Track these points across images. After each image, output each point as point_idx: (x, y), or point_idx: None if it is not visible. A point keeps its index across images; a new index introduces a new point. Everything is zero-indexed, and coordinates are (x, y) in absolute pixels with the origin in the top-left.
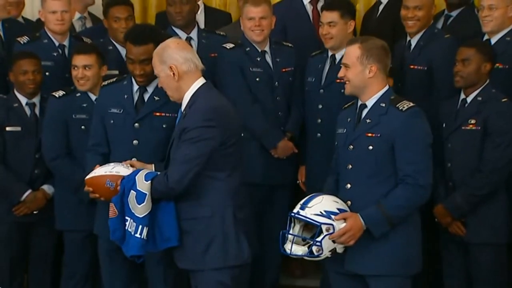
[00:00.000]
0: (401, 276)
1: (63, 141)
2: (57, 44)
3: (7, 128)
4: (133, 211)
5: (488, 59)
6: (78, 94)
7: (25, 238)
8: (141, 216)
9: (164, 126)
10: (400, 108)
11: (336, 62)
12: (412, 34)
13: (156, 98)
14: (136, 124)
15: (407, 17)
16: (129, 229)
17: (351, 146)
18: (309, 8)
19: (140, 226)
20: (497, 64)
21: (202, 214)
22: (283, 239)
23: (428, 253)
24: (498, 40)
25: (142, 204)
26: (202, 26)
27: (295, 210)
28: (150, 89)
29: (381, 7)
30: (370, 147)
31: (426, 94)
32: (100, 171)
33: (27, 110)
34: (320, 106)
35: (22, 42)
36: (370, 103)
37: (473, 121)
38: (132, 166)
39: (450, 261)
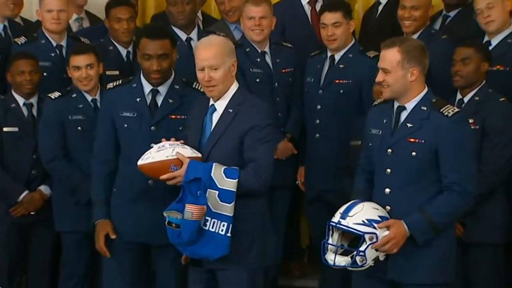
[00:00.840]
0: (442, 285)
1: (60, 142)
2: (54, 44)
3: (4, 129)
4: (216, 211)
5: (486, 58)
6: (74, 95)
7: (24, 239)
8: (231, 214)
9: (180, 128)
10: (445, 114)
11: (336, 63)
12: (409, 34)
13: (171, 100)
14: (153, 128)
15: (404, 17)
16: (211, 229)
17: (390, 150)
18: (307, 8)
19: (231, 225)
20: (498, 66)
21: (249, 213)
22: (323, 249)
23: None
24: (499, 42)
25: (232, 203)
26: None
27: (335, 220)
28: (162, 91)
29: (380, 8)
30: (414, 153)
31: None
32: (159, 155)
33: (25, 110)
34: (319, 107)
35: (19, 43)
36: (409, 106)
37: (471, 121)
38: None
39: None
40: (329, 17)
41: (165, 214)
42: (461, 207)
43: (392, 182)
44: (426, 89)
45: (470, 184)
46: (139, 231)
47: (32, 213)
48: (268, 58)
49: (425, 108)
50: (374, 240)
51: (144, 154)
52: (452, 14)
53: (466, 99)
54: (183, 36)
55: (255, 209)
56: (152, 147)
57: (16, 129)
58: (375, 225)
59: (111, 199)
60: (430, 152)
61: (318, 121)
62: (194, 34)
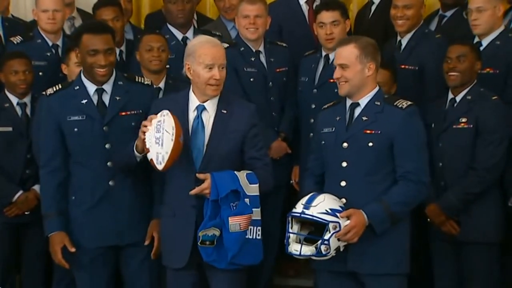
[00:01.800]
0: (401, 275)
1: None
2: (50, 44)
3: None
4: (252, 217)
5: (479, 58)
6: None
7: (17, 239)
8: (260, 218)
9: (133, 124)
10: (400, 106)
11: (330, 62)
12: (402, 33)
13: (118, 98)
14: (105, 128)
15: (397, 16)
16: (249, 236)
17: (346, 144)
18: (305, 8)
19: (260, 228)
20: (488, 69)
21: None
22: (287, 241)
23: (417, 255)
24: (489, 44)
25: (259, 207)
26: None
27: (298, 210)
28: (108, 89)
29: (373, 8)
30: (370, 144)
31: (417, 94)
32: (166, 145)
33: (18, 110)
34: (313, 106)
35: (15, 42)
36: (363, 101)
37: (464, 120)
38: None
39: (442, 262)
40: (327, 16)
41: (200, 234)
42: (417, 197)
43: (348, 175)
44: (378, 87)
45: (424, 174)
46: (106, 235)
47: (26, 213)
48: (262, 58)
49: (378, 103)
50: (338, 229)
51: (152, 157)
52: (448, 14)
53: (458, 99)
54: (179, 35)
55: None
56: (148, 147)
57: (9, 129)
58: (338, 214)
59: (70, 208)
60: (386, 143)
61: (312, 120)
62: (190, 34)
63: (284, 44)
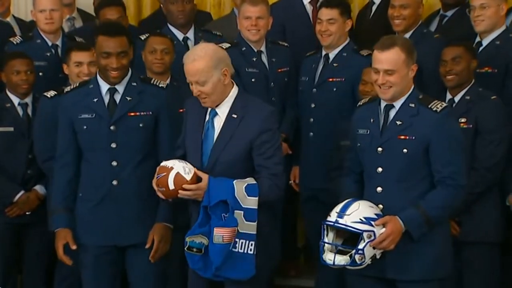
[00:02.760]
0: (439, 280)
1: (55, 141)
2: (50, 44)
3: None
4: (243, 231)
5: (474, 57)
6: None
7: (18, 239)
8: (255, 232)
9: (141, 125)
10: (434, 109)
11: (330, 62)
12: (399, 33)
13: (128, 98)
14: (112, 127)
15: (394, 16)
16: (241, 250)
17: (380, 149)
18: (309, 8)
19: (254, 243)
20: (486, 68)
21: (262, 219)
22: (321, 249)
23: None
24: (489, 43)
25: (256, 221)
26: None
27: (332, 219)
28: (120, 89)
29: (374, 7)
30: (405, 150)
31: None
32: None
33: (20, 110)
34: (313, 105)
35: (15, 42)
36: (398, 103)
37: (463, 120)
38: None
39: None
40: (325, 13)
41: (187, 240)
42: (455, 201)
43: (383, 181)
44: (413, 86)
45: (462, 177)
46: (109, 234)
47: (27, 213)
48: (264, 58)
49: (413, 105)
50: (372, 238)
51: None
52: (449, 13)
53: (456, 99)
54: (180, 35)
55: (263, 216)
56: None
57: (11, 129)
58: (372, 222)
59: (77, 204)
60: (421, 148)
61: (312, 119)
62: (190, 34)
63: (286, 44)
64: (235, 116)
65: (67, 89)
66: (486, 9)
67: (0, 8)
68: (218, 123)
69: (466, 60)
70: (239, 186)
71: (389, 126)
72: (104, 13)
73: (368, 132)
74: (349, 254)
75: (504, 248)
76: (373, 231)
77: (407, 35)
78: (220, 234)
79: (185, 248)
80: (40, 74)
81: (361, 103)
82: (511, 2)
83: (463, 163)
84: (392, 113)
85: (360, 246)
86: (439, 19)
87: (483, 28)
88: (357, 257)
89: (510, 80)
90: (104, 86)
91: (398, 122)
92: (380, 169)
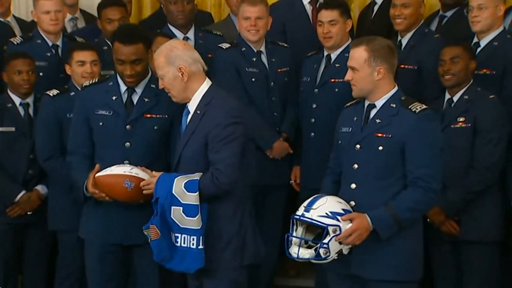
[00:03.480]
0: (407, 282)
1: (57, 140)
2: (50, 44)
3: (1, 129)
4: (185, 226)
5: (473, 57)
6: (73, 93)
7: (19, 239)
8: (199, 227)
9: (155, 127)
10: (413, 110)
11: (332, 62)
12: (401, 32)
13: (146, 99)
14: (128, 126)
15: (395, 15)
16: (184, 245)
17: (358, 146)
18: (308, 8)
19: (201, 237)
20: (484, 70)
21: (224, 213)
22: (287, 242)
23: None
24: (486, 44)
25: (197, 216)
26: None
27: (299, 213)
28: (138, 90)
29: (376, 8)
30: (380, 148)
31: (416, 94)
32: (118, 170)
33: (21, 110)
34: (315, 106)
35: (15, 43)
36: (379, 103)
37: (462, 119)
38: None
39: (441, 261)
40: (325, 15)
41: (145, 233)
42: (426, 203)
43: (358, 177)
44: (396, 88)
45: (436, 181)
46: (116, 232)
47: (28, 213)
48: (264, 58)
49: (394, 105)
50: (338, 232)
51: (103, 170)
52: (448, 14)
53: (455, 98)
54: (180, 35)
55: (230, 210)
56: None
57: (12, 129)
58: (339, 217)
59: (86, 200)
60: (397, 147)
61: (313, 120)
62: (191, 34)
63: (286, 45)
64: (198, 112)
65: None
66: (484, 9)
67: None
68: (187, 119)
69: (465, 60)
70: (179, 182)
71: (368, 124)
72: (106, 13)
73: (350, 130)
74: (314, 248)
75: (504, 247)
76: (338, 225)
77: (409, 35)
78: (149, 231)
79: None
80: (41, 74)
81: (349, 104)
82: (509, 2)
83: (438, 167)
84: (373, 112)
85: (325, 240)
86: (439, 20)
87: (480, 28)
88: (321, 251)
89: (508, 81)
90: (123, 86)
91: (378, 121)
92: (356, 166)
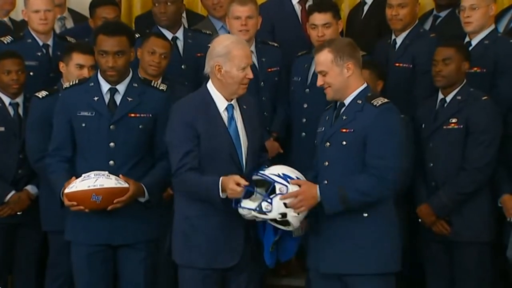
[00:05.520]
0: (387, 274)
1: (47, 142)
2: (41, 43)
3: None
4: None
5: (466, 58)
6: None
7: (10, 240)
8: None
9: (140, 127)
10: (374, 104)
11: None
12: (397, 32)
13: (129, 99)
14: (112, 126)
15: (392, 15)
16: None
17: (328, 143)
18: (297, 8)
19: None
20: (475, 68)
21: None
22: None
23: (409, 254)
24: (477, 43)
25: None
26: None
27: (255, 173)
28: (121, 90)
29: (366, 8)
30: (344, 143)
31: (411, 92)
32: (82, 185)
33: (11, 110)
34: (305, 106)
35: (5, 42)
36: (347, 100)
37: (454, 120)
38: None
39: (433, 261)
40: (319, 18)
41: (277, 239)
42: (377, 191)
43: (328, 174)
44: (365, 85)
45: (391, 172)
46: (99, 233)
47: (18, 213)
48: (254, 58)
49: (360, 102)
50: (284, 191)
51: (71, 183)
52: (442, 14)
53: (448, 99)
54: (168, 35)
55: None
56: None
57: (2, 128)
58: (289, 180)
59: None
60: (360, 141)
61: (304, 119)
62: (180, 34)
63: (276, 44)
64: (245, 107)
65: (66, 85)
66: (476, 10)
67: (9, 6)
68: (236, 116)
69: (456, 61)
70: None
71: (336, 122)
72: (100, 12)
73: (323, 129)
74: (258, 201)
75: (496, 248)
76: (286, 186)
77: (404, 34)
78: (299, 226)
79: (271, 250)
80: (31, 74)
81: (329, 107)
82: (505, 3)
83: (395, 158)
84: (342, 110)
85: (270, 196)
86: (433, 19)
87: (473, 28)
88: (264, 204)
89: (499, 80)
90: (105, 86)
91: (344, 117)
92: (326, 163)
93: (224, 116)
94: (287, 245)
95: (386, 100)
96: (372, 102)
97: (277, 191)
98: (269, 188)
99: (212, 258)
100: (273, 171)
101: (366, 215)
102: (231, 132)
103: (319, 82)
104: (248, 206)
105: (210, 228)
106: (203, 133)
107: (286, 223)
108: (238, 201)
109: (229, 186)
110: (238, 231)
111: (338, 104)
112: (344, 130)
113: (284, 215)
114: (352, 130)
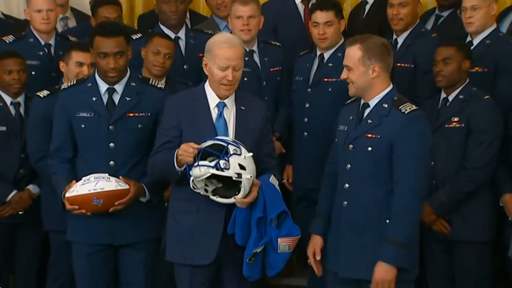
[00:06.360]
0: (402, 282)
1: (48, 141)
2: (43, 43)
3: None
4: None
5: (467, 56)
6: None
7: (11, 239)
8: None
9: (139, 126)
10: (403, 111)
11: (325, 62)
12: (398, 32)
13: (128, 98)
14: (111, 127)
15: (393, 15)
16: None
17: (351, 146)
18: (300, 7)
19: None
20: (476, 68)
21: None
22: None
23: None
24: (479, 43)
25: None
26: None
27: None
28: (119, 90)
29: (367, 7)
30: (369, 148)
31: (413, 92)
32: (82, 189)
33: (12, 109)
34: (308, 105)
35: (7, 41)
36: (372, 103)
37: (456, 119)
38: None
39: (434, 260)
40: (321, 16)
41: (253, 251)
42: (413, 207)
43: (350, 177)
44: (390, 87)
45: (414, 181)
46: (99, 233)
47: (20, 213)
48: (256, 57)
49: (386, 106)
50: (238, 152)
51: (72, 187)
52: (445, 14)
53: (450, 98)
54: (171, 35)
55: None
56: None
57: (3, 128)
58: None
59: None
60: (386, 148)
61: (306, 119)
62: (182, 33)
63: (278, 44)
64: (243, 108)
65: (64, 85)
66: (477, 10)
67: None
68: (228, 115)
69: (457, 61)
70: (277, 187)
71: (361, 125)
72: (102, 12)
73: (346, 129)
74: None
75: (496, 247)
76: (239, 147)
77: (405, 34)
78: (286, 243)
79: (248, 260)
80: (33, 73)
81: (349, 102)
82: (507, 3)
83: (421, 169)
84: (366, 112)
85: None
86: (435, 19)
87: (474, 29)
88: (222, 162)
89: (500, 79)
90: (103, 86)
91: (369, 121)
92: (348, 166)
93: (214, 112)
94: (271, 260)
95: (414, 107)
96: (400, 107)
97: (231, 152)
98: (222, 151)
99: (188, 254)
100: (225, 138)
101: (388, 221)
102: (217, 128)
103: (343, 75)
104: (206, 164)
105: (189, 224)
106: (187, 124)
107: (238, 187)
108: (191, 168)
109: (181, 147)
110: (215, 230)
111: (361, 103)
112: (369, 135)
113: (239, 175)
114: (378, 136)
